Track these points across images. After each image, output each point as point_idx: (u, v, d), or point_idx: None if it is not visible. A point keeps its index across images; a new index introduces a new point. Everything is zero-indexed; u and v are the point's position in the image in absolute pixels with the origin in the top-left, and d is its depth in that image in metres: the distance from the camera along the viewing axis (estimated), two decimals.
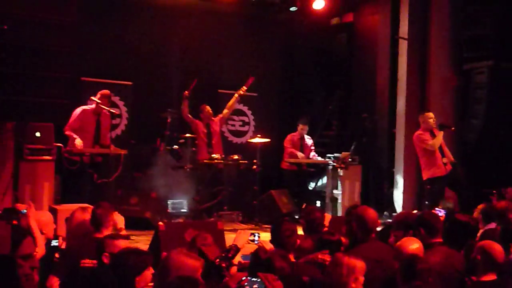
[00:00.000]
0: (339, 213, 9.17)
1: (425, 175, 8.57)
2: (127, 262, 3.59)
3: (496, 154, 9.89)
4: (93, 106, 8.23)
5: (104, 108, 8.29)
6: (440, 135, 8.53)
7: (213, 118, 9.60)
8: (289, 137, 10.15)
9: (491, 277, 4.01)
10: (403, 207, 9.92)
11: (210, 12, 11.01)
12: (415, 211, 6.06)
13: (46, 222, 4.95)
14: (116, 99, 10.27)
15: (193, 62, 10.82)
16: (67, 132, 7.96)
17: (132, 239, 7.67)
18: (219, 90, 11.30)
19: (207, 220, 8.61)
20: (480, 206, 5.97)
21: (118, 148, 8.27)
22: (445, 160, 8.58)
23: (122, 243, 4.08)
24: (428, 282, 3.72)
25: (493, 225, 5.61)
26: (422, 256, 4.05)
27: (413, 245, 4.18)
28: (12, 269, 3.50)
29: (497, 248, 4.09)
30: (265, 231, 8.26)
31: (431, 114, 8.68)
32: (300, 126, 10.11)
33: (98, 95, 8.23)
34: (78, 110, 8.20)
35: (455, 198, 8.95)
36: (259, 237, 5.38)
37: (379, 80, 10.80)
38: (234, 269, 4.43)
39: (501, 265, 4.07)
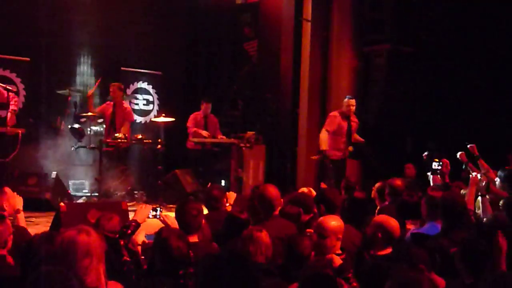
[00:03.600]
0: (244, 192, 9.28)
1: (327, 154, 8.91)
2: None
3: (392, 133, 10.34)
4: None
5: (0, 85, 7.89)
6: (323, 134, 8.86)
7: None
8: (192, 116, 10.11)
9: (387, 251, 4.19)
10: (304, 185, 10.15)
11: None
12: (304, 189, 6.16)
13: None
14: (12, 75, 9.83)
15: (95, 39, 10.52)
16: None
17: (32, 221, 7.45)
18: (122, 68, 11.07)
19: (111, 200, 8.45)
20: (377, 185, 6.21)
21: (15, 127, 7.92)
22: (350, 148, 9.00)
23: None
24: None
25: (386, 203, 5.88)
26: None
27: (334, 222, 4.21)
28: None
29: (393, 223, 4.27)
30: (170, 210, 8.25)
31: (352, 102, 9.00)
32: (204, 105, 10.10)
33: None
34: None
35: (357, 176, 9.32)
36: (161, 211, 5.37)
37: (283, 61, 10.94)
38: (138, 249, 4.38)
39: (397, 239, 4.27)
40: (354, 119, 9.13)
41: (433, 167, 6.66)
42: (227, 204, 5.71)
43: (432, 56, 10.49)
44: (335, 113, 9.10)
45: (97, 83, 9.40)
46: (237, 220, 4.55)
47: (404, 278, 2.92)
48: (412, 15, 10.74)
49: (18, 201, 4.94)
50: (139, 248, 4.41)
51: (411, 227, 5.06)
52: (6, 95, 7.90)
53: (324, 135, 8.85)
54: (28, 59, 9.90)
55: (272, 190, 4.95)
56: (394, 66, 10.56)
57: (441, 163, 6.68)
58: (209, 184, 7.83)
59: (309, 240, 4.08)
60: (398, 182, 5.97)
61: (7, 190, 4.81)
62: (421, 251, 3.72)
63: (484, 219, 5.22)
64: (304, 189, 6.00)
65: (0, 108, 8.11)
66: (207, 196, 5.39)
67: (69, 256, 3.37)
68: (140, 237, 4.45)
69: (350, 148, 9.01)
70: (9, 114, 7.80)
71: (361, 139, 9.29)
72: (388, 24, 10.63)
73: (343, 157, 9.04)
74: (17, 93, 9.68)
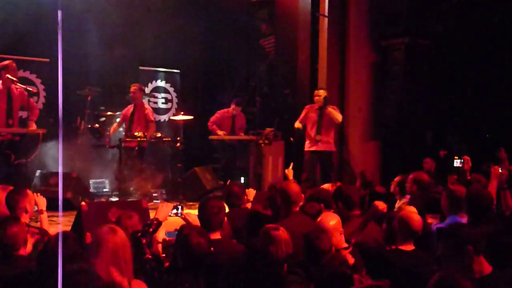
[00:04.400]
0: (263, 189, 9.28)
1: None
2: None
3: (412, 127, 10.28)
4: None
5: (20, 86, 7.96)
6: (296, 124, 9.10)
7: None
8: (220, 112, 10.16)
9: (409, 247, 4.17)
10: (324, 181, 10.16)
11: None
12: (326, 186, 6.16)
13: None
14: (32, 76, 9.94)
15: (114, 39, 10.58)
16: None
17: (53, 221, 7.52)
18: (140, 67, 11.13)
19: (131, 199, 8.51)
20: (397, 179, 6.18)
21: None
22: (318, 137, 9.08)
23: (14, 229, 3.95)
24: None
25: (407, 197, 5.84)
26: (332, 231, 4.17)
27: (332, 220, 4.27)
28: None
29: (415, 218, 4.24)
30: (190, 208, 8.29)
31: (319, 92, 9.17)
32: (233, 106, 10.15)
33: (6, 70, 7.79)
34: None
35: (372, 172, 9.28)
36: (182, 209, 5.39)
37: (300, 56, 10.92)
38: (158, 246, 4.41)
39: (418, 234, 4.24)
40: (329, 110, 9.11)
41: (455, 164, 6.60)
42: (247, 201, 5.72)
43: (450, 48, 10.41)
44: (308, 105, 9.34)
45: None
46: (261, 217, 4.56)
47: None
48: (429, 7, 10.66)
49: (41, 202, 5.01)
50: (160, 245, 4.44)
51: (431, 221, 5.02)
52: (26, 96, 7.99)
53: (296, 125, 9.16)
54: (47, 60, 9.99)
55: (293, 187, 4.96)
56: (412, 59, 10.49)
57: (462, 160, 6.60)
58: (228, 181, 7.86)
59: (328, 235, 4.09)
60: (425, 176, 5.91)
61: (29, 191, 4.87)
62: (473, 231, 3.59)
63: (507, 212, 5.17)
64: (326, 185, 5.99)
65: (21, 109, 8.19)
66: (228, 193, 5.41)
67: (94, 254, 3.43)
68: (161, 234, 4.49)
69: (318, 138, 9.07)
70: (29, 122, 7.89)
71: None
72: (405, 17, 10.55)
73: (316, 148, 9.12)
74: (37, 94, 9.80)
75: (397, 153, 9.91)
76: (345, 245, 4.12)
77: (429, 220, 5.04)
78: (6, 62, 7.84)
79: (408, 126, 10.27)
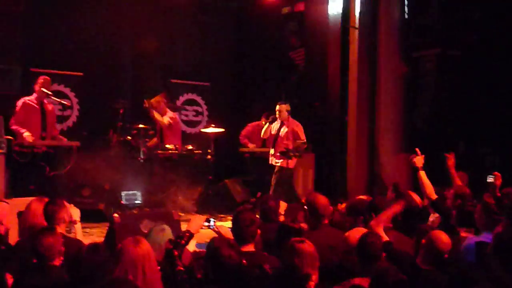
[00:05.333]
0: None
1: None
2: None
3: (443, 139, 10.17)
4: (34, 96, 8.00)
5: (55, 100, 8.14)
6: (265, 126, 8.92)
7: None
8: (252, 125, 10.30)
9: (431, 268, 4.09)
10: (355, 193, 10.09)
11: (161, 1, 10.92)
12: (363, 197, 6.13)
13: (4, 213, 4.87)
14: (67, 90, 10.13)
15: (145, 52, 10.74)
16: (13, 127, 7.76)
17: (87, 232, 7.63)
18: (172, 80, 11.25)
19: (163, 210, 8.57)
20: None
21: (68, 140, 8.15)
22: (272, 151, 8.90)
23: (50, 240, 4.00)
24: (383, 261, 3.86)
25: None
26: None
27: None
28: None
29: (443, 238, 4.14)
30: (220, 220, 8.32)
31: (277, 106, 8.93)
32: (263, 119, 10.20)
33: (41, 85, 7.99)
34: (20, 102, 8.01)
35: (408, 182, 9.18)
36: (214, 222, 5.40)
37: (330, 68, 10.91)
38: (188, 258, 4.43)
39: (444, 255, 4.14)
40: (290, 124, 8.91)
41: (488, 180, 6.49)
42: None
43: (482, 59, 10.29)
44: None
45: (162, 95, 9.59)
46: (291, 230, 4.56)
47: None
48: (460, 18, 10.56)
49: (75, 213, 5.10)
50: (189, 257, 4.47)
51: (465, 235, 4.95)
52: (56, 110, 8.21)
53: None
54: (81, 73, 10.18)
55: (322, 199, 4.94)
56: (444, 70, 10.40)
57: (494, 176, 6.50)
58: (259, 194, 7.88)
59: (380, 240, 4.07)
60: (466, 190, 5.82)
61: (65, 202, 4.97)
62: None
63: None
64: (363, 197, 5.95)
65: (56, 121, 8.38)
66: (263, 207, 5.40)
67: (115, 263, 3.51)
68: (191, 246, 4.51)
69: (272, 151, 8.88)
70: (58, 136, 8.08)
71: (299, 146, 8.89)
72: (436, 28, 10.48)
73: (275, 163, 8.87)
74: (71, 107, 9.98)
75: (429, 165, 9.80)
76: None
77: (463, 234, 4.97)
78: (41, 77, 8.04)
79: (439, 137, 10.17)
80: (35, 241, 3.93)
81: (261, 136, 9.13)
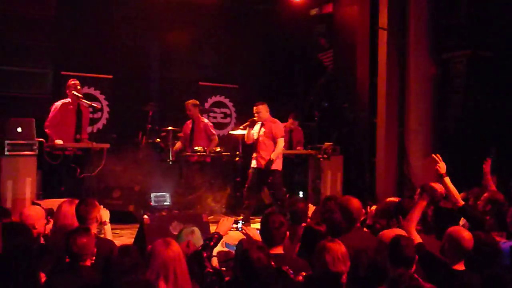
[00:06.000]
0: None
1: None
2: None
3: (475, 142, 10.01)
4: (69, 99, 8.12)
5: (86, 102, 8.25)
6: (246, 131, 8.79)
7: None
8: None
9: (460, 266, 4.06)
10: (384, 196, 10.02)
11: (189, 4, 10.98)
12: (394, 199, 6.07)
13: (37, 217, 4.94)
14: (97, 93, 10.26)
15: (173, 55, 10.81)
16: (47, 130, 7.88)
17: (116, 233, 7.71)
18: (200, 83, 11.30)
19: (192, 212, 8.62)
20: (461, 195, 6.01)
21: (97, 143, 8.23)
22: (254, 154, 8.72)
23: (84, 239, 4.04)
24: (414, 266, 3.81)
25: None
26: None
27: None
28: None
29: (465, 235, 4.10)
30: (249, 222, 8.33)
31: (254, 108, 8.77)
32: (290, 120, 10.22)
33: (73, 88, 8.10)
34: (58, 104, 8.13)
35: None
36: (242, 224, 5.41)
37: (359, 70, 10.86)
38: (214, 260, 4.45)
39: (470, 253, 4.10)
40: (268, 124, 8.74)
41: None
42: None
43: None
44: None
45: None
46: (316, 232, 4.53)
47: None
48: (492, 18, 10.40)
49: (105, 214, 5.15)
50: (215, 258, 4.48)
51: (498, 239, 4.87)
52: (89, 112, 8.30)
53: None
54: (111, 76, 10.29)
55: (355, 202, 4.91)
56: (475, 72, 10.24)
57: None
58: (287, 195, 7.86)
59: (412, 242, 4.04)
60: (500, 196, 5.72)
61: (97, 203, 5.02)
62: None
63: None
64: (393, 199, 5.89)
65: (87, 124, 8.48)
66: (292, 209, 5.39)
67: (146, 265, 3.53)
68: (219, 247, 4.52)
69: (254, 155, 8.69)
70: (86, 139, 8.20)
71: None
72: (467, 28, 10.33)
73: (256, 165, 8.71)
74: (101, 110, 10.10)
75: (459, 168, 9.67)
76: None
77: (496, 238, 4.89)
78: (70, 80, 8.17)
79: (470, 141, 10.02)
80: (69, 240, 3.98)
81: (245, 141, 8.97)
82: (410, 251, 3.89)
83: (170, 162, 9.34)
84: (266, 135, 8.71)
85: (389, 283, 3.44)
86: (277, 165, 8.71)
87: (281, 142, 8.71)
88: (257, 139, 8.72)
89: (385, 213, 5.08)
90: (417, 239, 4.26)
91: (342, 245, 3.71)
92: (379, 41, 10.34)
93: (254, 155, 8.78)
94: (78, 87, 8.10)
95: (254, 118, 8.79)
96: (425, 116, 9.90)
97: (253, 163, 8.78)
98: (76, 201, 5.00)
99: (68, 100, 8.14)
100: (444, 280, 3.88)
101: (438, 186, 4.49)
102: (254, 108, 8.81)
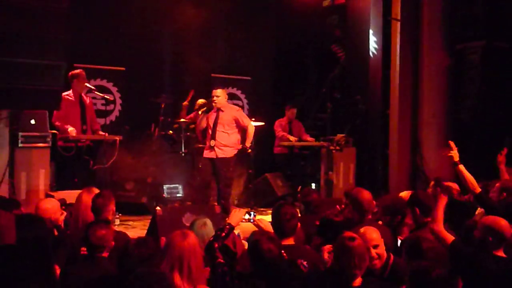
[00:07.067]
0: (334, 195, 9.22)
1: None
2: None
3: (489, 133, 9.94)
4: (70, 90, 8.03)
5: (98, 94, 8.28)
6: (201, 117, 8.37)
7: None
8: (277, 122, 10.33)
9: (501, 253, 4.01)
10: (397, 188, 9.97)
11: None
12: (403, 193, 6.01)
13: (54, 210, 4.97)
14: (109, 85, 10.28)
15: (186, 47, 10.79)
16: (56, 123, 7.87)
17: (129, 224, 7.75)
18: (212, 74, 11.29)
19: (204, 204, 8.62)
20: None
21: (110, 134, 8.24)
22: (212, 143, 8.18)
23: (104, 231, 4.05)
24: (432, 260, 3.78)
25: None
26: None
27: (373, 234, 4.08)
28: None
29: (503, 223, 4.06)
30: (261, 214, 8.33)
31: (213, 92, 8.26)
32: (290, 110, 10.26)
33: (83, 79, 8.09)
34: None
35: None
36: (254, 215, 5.44)
37: (372, 61, 10.80)
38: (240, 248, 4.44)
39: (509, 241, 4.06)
40: (228, 111, 8.26)
41: None
42: None
43: None
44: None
45: (190, 95, 9.68)
46: (333, 223, 4.53)
47: None
48: (507, 8, 10.29)
49: None
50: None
51: None
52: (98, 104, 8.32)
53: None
54: (123, 68, 10.31)
55: (366, 194, 4.89)
56: (489, 63, 10.15)
57: None
58: (299, 187, 7.84)
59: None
60: None
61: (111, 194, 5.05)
62: None
63: None
64: (403, 194, 5.83)
65: (98, 116, 8.50)
66: (304, 200, 5.39)
67: (162, 257, 3.54)
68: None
69: (212, 143, 8.13)
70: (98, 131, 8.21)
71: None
72: (481, 19, 10.22)
73: (210, 155, 8.20)
74: (114, 102, 10.13)
75: (474, 159, 9.60)
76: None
77: None
78: (77, 71, 8.16)
79: (484, 132, 9.94)
80: (89, 231, 4.00)
81: (197, 128, 8.63)
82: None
83: (183, 154, 9.35)
84: (226, 122, 8.20)
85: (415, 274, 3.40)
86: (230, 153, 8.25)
87: (251, 127, 8.30)
88: (214, 126, 8.20)
89: (389, 209, 5.00)
90: (449, 238, 4.18)
91: (361, 246, 3.64)
92: (392, 31, 10.27)
93: (213, 143, 8.15)
94: (84, 79, 8.11)
95: (213, 103, 8.21)
96: (438, 107, 9.83)
97: (208, 153, 8.24)
98: (94, 190, 5.03)
99: (68, 92, 8.00)
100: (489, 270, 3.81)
101: (453, 185, 4.44)
102: (213, 92, 8.28)
